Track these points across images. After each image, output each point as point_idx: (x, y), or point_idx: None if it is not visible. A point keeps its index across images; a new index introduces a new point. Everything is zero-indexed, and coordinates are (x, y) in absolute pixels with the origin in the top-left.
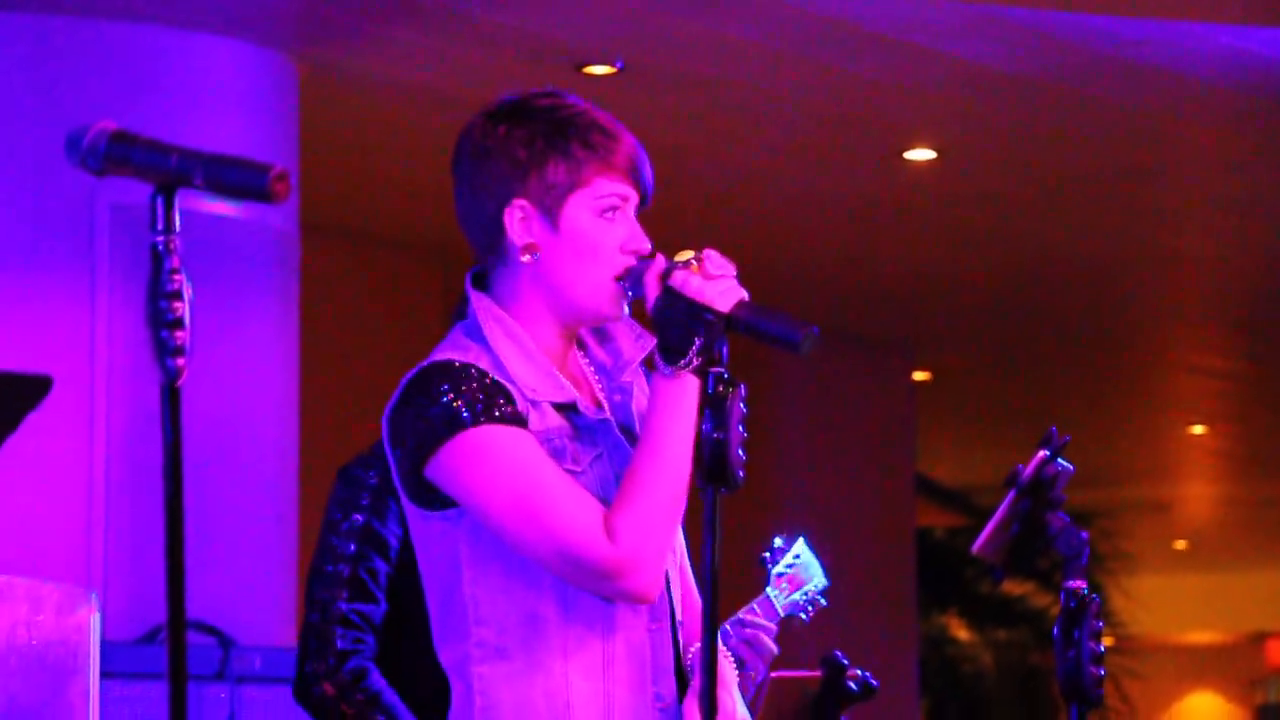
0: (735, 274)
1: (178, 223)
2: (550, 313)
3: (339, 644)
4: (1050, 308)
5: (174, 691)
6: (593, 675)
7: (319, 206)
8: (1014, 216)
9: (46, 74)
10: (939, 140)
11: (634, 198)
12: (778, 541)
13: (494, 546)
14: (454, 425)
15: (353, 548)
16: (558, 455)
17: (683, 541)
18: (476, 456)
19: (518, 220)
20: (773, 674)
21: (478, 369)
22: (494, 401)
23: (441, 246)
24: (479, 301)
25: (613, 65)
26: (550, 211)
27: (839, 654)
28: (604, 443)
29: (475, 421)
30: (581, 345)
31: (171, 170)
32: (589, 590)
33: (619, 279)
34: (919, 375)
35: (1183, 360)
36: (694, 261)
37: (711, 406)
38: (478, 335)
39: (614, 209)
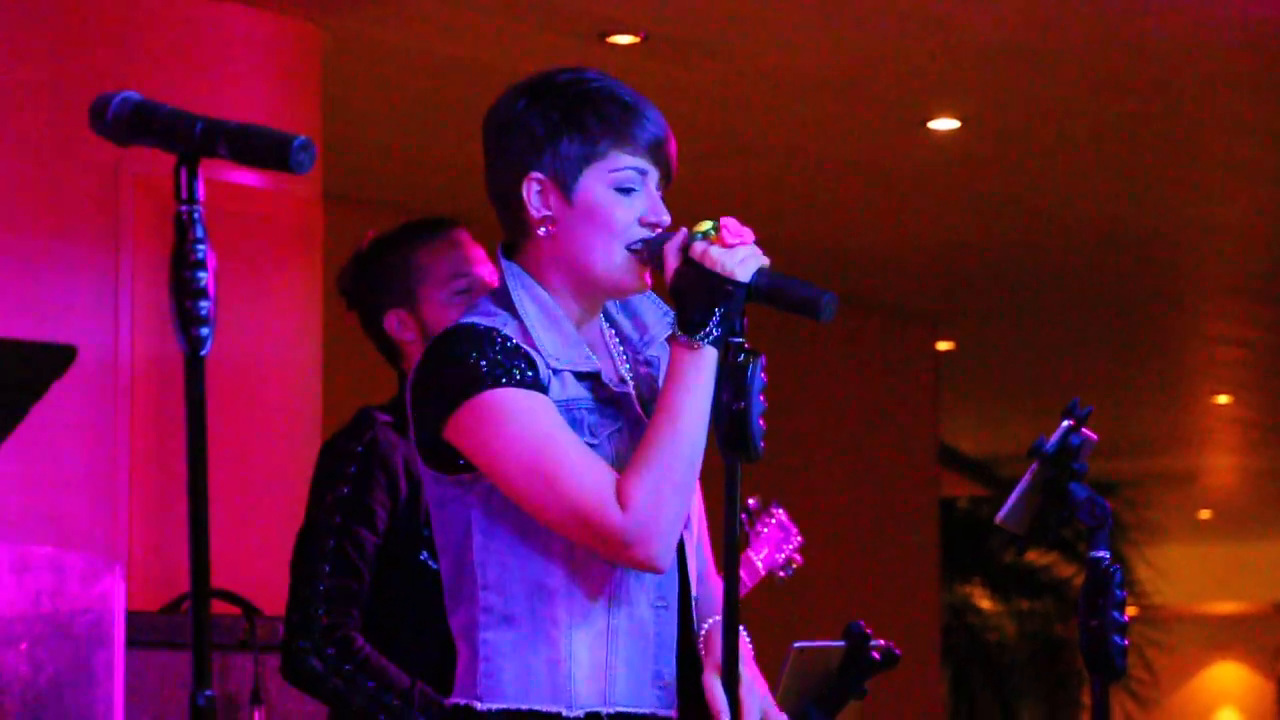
0: (754, 241)
1: (201, 192)
2: (570, 284)
3: (323, 620)
4: (1074, 278)
5: (198, 660)
6: (596, 648)
7: (342, 176)
8: (1038, 186)
9: (69, 43)
10: (962, 110)
11: (653, 172)
12: (750, 502)
13: (504, 514)
14: (474, 385)
15: (337, 519)
16: (575, 426)
17: (701, 515)
18: (494, 417)
19: (534, 193)
20: (796, 644)
21: (502, 334)
22: (515, 365)
23: (464, 215)
24: (509, 269)
25: (637, 35)
26: (565, 185)
27: (862, 624)
28: (624, 417)
29: (495, 383)
30: (609, 319)
31: (195, 140)
32: (599, 556)
33: (632, 249)
34: (943, 345)
35: (1207, 330)
36: (712, 231)
37: (732, 376)
38: (506, 302)
39: (629, 182)
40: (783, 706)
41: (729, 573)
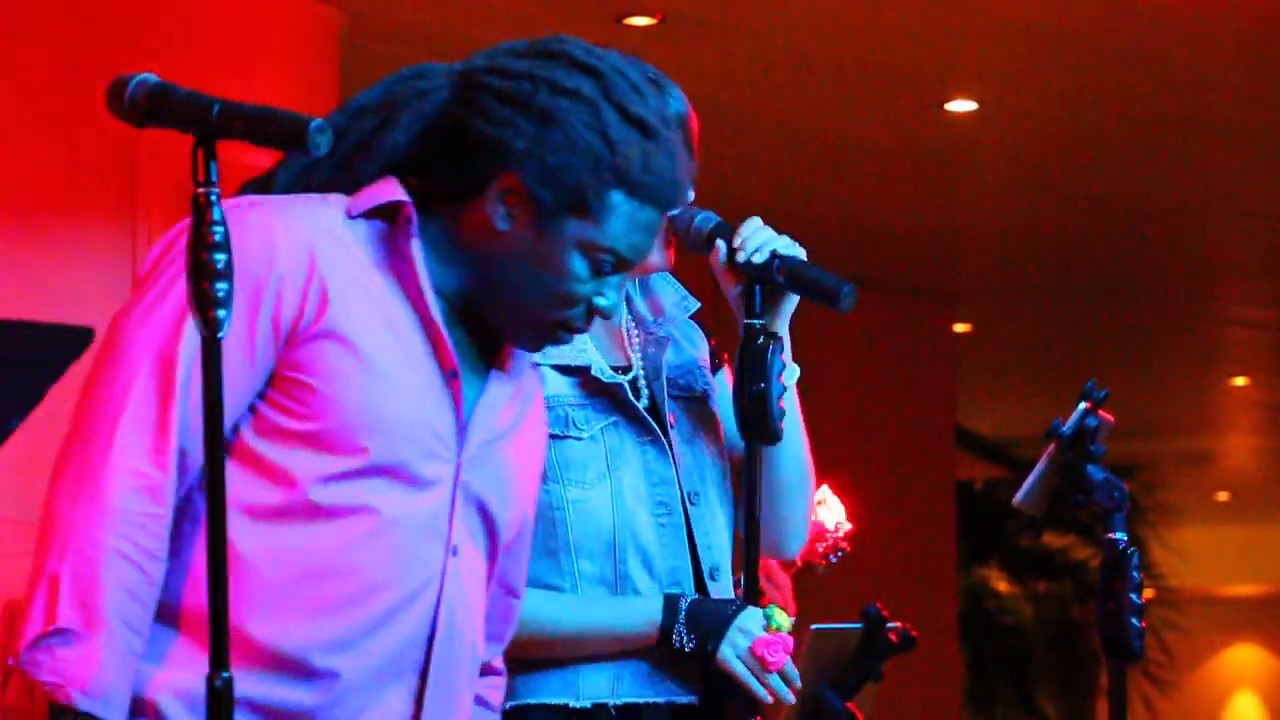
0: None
1: (218, 174)
2: None
3: None
4: (1092, 259)
5: (215, 642)
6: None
7: None
8: (1056, 167)
9: (86, 24)
10: (980, 91)
11: None
12: None
13: None
14: None
15: None
16: (559, 423)
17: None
18: None
19: None
20: (813, 626)
21: None
22: None
23: None
24: None
25: (653, 16)
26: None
27: (879, 606)
28: (619, 410)
29: None
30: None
31: (212, 122)
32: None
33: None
34: (960, 327)
35: (1225, 312)
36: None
37: (751, 359)
38: None
39: None
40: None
41: (749, 559)
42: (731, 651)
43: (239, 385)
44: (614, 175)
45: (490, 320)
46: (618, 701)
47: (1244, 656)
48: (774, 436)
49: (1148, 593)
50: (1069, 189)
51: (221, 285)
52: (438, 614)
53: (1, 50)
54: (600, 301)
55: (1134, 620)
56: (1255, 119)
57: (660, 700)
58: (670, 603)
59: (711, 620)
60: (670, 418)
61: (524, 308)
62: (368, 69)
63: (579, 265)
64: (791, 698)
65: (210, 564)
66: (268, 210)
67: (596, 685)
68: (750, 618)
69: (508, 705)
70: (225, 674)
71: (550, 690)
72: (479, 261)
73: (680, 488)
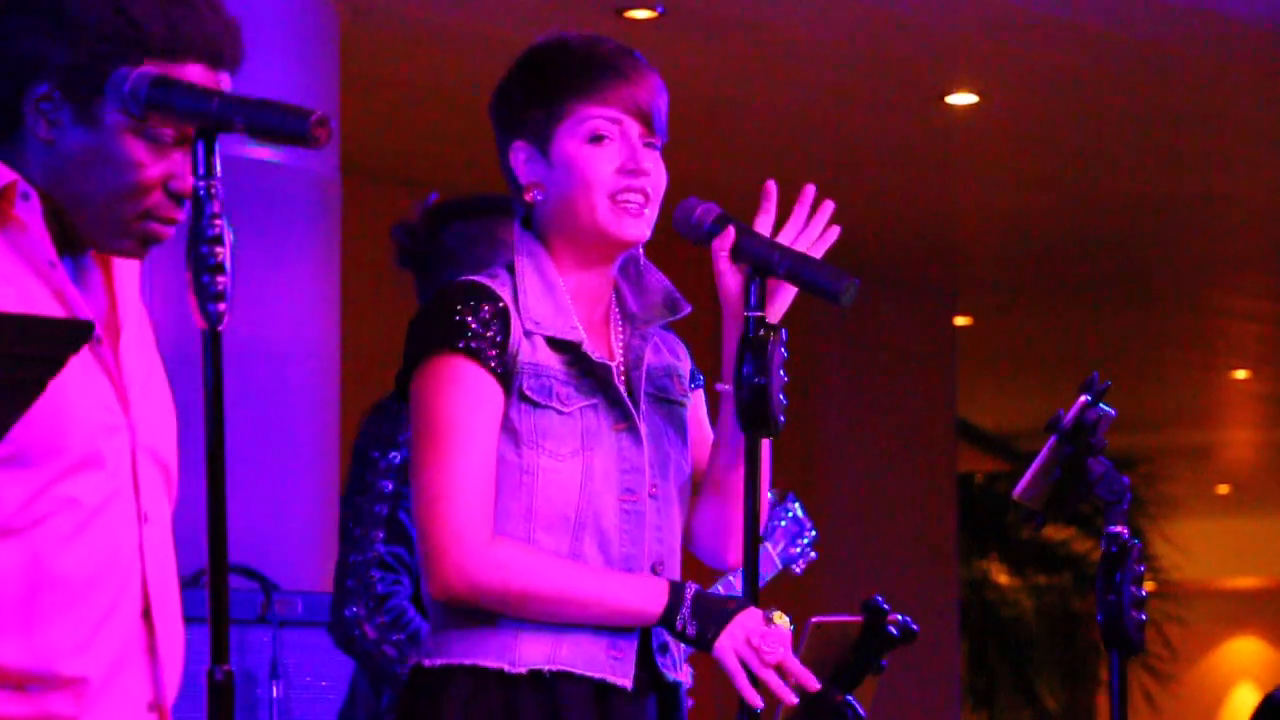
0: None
1: (218, 167)
2: (568, 246)
3: (378, 587)
4: (1092, 252)
5: (216, 635)
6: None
7: (360, 150)
8: (1055, 160)
9: None
10: (980, 84)
11: (630, 123)
12: (767, 496)
13: None
14: (437, 346)
15: (390, 487)
16: (544, 394)
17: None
18: (436, 380)
19: (522, 161)
20: (814, 619)
21: (491, 292)
22: (485, 336)
23: (482, 190)
24: (520, 236)
25: (653, 9)
26: (542, 147)
27: (880, 599)
28: (603, 392)
29: (453, 349)
30: (619, 296)
31: (213, 115)
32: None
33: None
34: (960, 320)
35: (1225, 304)
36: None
37: (753, 351)
38: (511, 267)
39: (600, 132)
40: None
41: (748, 553)
42: (729, 644)
43: None
44: (142, 49)
45: (89, 242)
46: (554, 668)
47: (1244, 649)
48: (775, 430)
49: (1148, 586)
50: (1069, 182)
51: (221, 279)
52: (147, 589)
53: None
54: (176, 185)
55: (1134, 613)
56: (1256, 112)
57: (594, 676)
58: (676, 588)
59: (715, 611)
60: (643, 407)
61: (105, 213)
62: (369, 62)
63: (137, 150)
64: (793, 698)
65: (211, 562)
66: None
67: (534, 652)
68: (752, 617)
69: (437, 662)
70: (226, 665)
71: (485, 652)
72: (54, 186)
73: (647, 477)
